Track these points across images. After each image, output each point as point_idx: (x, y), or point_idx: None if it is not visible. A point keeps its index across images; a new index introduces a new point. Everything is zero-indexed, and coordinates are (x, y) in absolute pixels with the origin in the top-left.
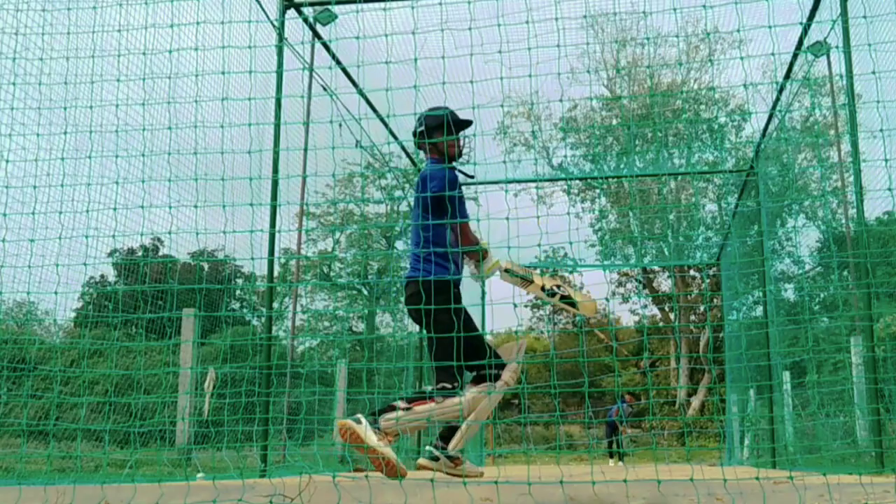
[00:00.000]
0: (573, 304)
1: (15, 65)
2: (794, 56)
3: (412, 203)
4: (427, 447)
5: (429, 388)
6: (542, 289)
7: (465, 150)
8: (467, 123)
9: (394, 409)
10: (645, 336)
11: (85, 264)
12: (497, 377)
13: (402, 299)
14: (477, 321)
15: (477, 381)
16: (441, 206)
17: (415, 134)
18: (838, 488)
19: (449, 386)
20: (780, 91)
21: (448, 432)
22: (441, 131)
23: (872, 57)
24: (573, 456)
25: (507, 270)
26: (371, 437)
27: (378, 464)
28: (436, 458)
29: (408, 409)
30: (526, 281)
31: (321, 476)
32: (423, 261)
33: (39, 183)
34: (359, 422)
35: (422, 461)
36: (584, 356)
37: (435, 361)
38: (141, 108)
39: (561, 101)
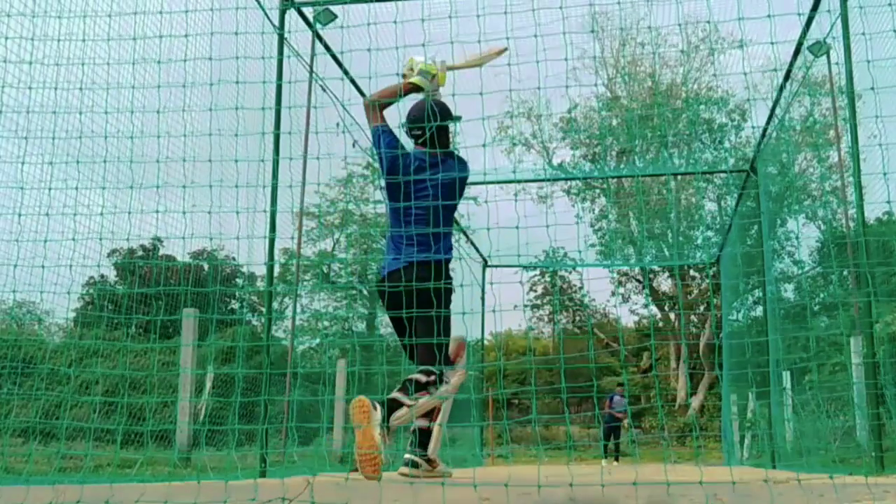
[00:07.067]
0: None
1: (31, 69)
2: (794, 55)
3: (427, 182)
4: (406, 455)
5: (423, 377)
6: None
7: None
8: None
9: (398, 405)
10: (653, 339)
11: (99, 265)
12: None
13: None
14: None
15: (429, 376)
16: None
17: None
18: (840, 488)
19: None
20: (780, 90)
21: (424, 438)
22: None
23: (871, 60)
24: (571, 455)
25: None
26: (377, 433)
27: (369, 461)
28: (416, 465)
29: (413, 405)
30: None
31: (325, 475)
32: (442, 240)
33: (54, 186)
34: (375, 408)
35: (403, 469)
36: (594, 360)
37: (431, 345)
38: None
39: (570, 108)
